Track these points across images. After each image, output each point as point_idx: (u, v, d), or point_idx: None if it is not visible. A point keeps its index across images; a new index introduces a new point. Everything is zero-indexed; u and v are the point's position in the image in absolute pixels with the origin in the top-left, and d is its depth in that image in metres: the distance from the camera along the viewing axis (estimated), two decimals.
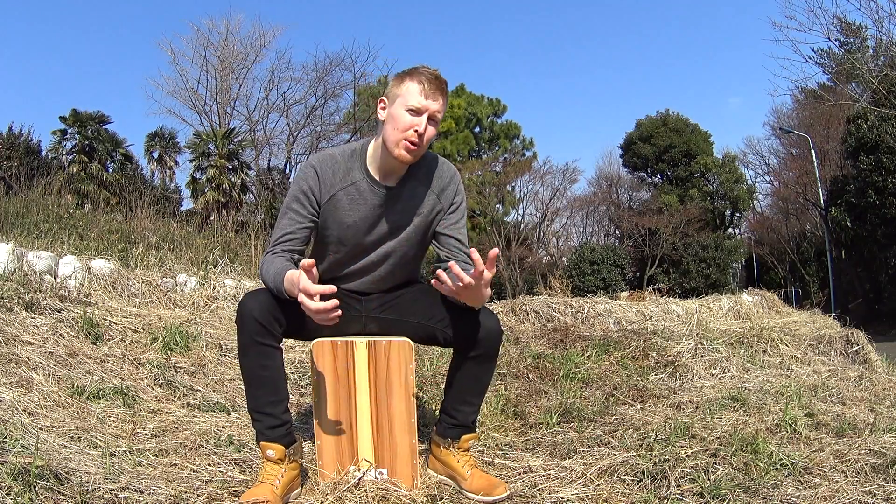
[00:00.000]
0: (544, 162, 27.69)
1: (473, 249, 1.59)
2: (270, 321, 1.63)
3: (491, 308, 4.69)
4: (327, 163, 1.78)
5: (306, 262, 1.48)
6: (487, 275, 1.55)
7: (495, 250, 1.56)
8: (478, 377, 1.81)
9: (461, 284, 1.55)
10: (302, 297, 1.50)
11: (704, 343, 3.81)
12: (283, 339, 1.73)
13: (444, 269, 1.66)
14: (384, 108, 1.75)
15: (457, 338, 1.74)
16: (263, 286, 1.71)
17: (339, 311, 1.51)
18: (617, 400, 2.87)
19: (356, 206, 1.78)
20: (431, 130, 1.71)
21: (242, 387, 2.75)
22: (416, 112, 1.68)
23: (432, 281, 1.64)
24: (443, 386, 2.07)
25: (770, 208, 30.70)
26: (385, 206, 1.80)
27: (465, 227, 1.90)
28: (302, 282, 1.49)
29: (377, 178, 1.79)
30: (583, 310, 4.78)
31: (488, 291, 1.62)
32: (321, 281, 1.80)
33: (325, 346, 1.77)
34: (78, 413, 2.24)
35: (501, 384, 3.05)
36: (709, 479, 1.79)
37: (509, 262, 23.25)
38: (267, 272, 1.67)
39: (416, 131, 1.67)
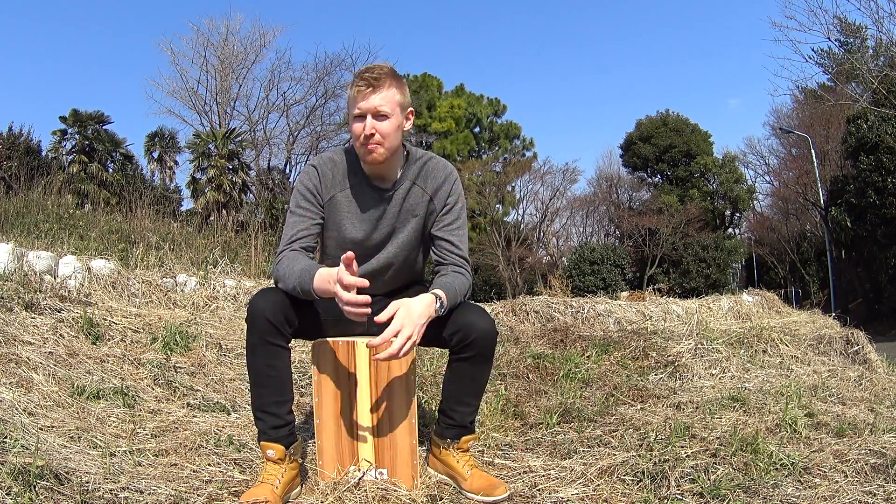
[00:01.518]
0: (544, 162, 27.78)
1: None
2: (281, 321, 1.63)
3: (491, 308, 4.72)
4: (327, 164, 1.81)
5: (348, 255, 1.50)
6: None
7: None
8: (474, 378, 1.81)
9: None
10: (337, 288, 1.51)
11: (704, 343, 3.81)
12: (292, 339, 1.74)
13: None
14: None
15: (451, 339, 1.73)
16: (272, 285, 1.71)
17: (370, 309, 1.53)
18: (617, 400, 2.87)
19: (353, 208, 1.80)
20: (385, 125, 1.72)
21: (242, 387, 2.78)
22: (360, 117, 1.72)
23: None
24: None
25: (770, 208, 30.70)
26: (381, 209, 1.82)
27: (463, 228, 1.87)
28: (340, 272, 1.51)
29: (372, 182, 1.81)
30: (583, 310, 4.77)
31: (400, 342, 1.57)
32: None
33: (327, 346, 1.78)
34: (78, 413, 2.24)
35: (501, 384, 3.05)
36: (709, 479, 1.79)
37: (509, 262, 23.25)
38: (289, 269, 1.66)
39: (364, 135, 1.71)
